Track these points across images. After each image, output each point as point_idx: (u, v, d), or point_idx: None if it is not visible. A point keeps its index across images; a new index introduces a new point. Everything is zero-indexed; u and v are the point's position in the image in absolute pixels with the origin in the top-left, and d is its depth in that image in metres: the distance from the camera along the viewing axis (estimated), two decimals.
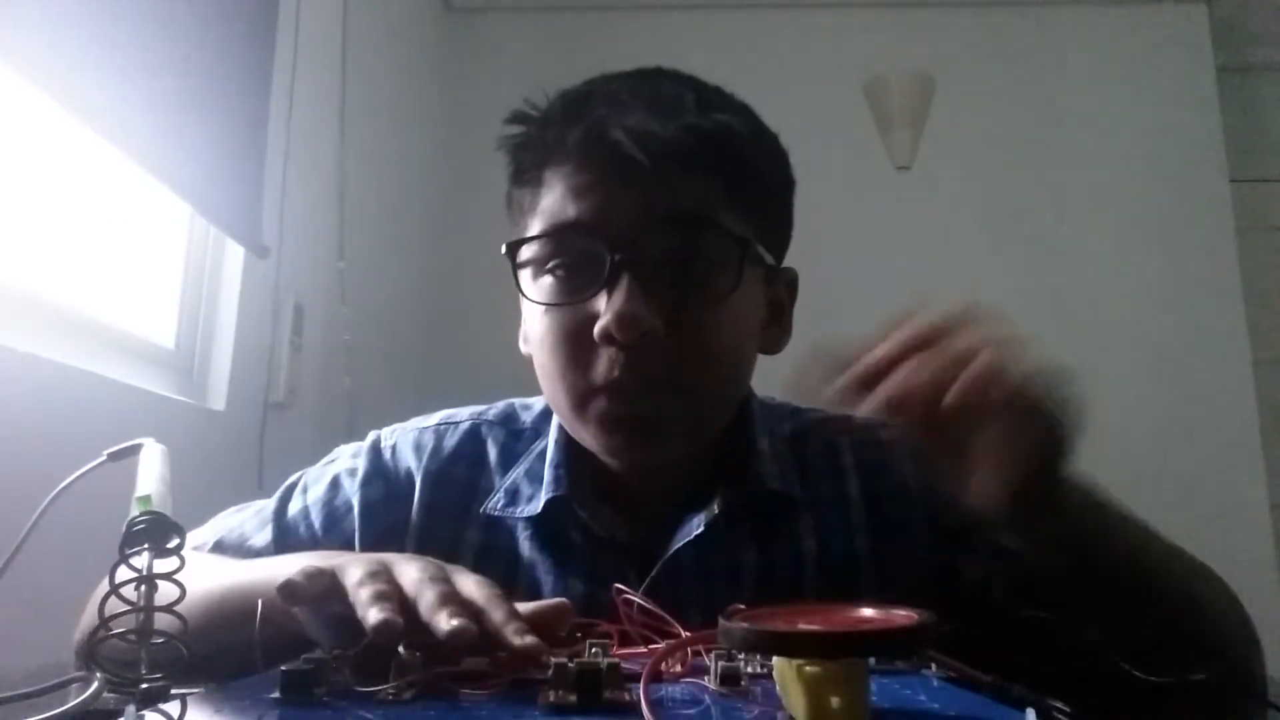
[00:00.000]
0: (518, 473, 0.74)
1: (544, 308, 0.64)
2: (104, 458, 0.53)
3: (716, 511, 0.67)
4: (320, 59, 1.82)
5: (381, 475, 0.75)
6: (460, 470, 0.75)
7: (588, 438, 0.66)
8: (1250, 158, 2.59)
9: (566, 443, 0.72)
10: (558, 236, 0.63)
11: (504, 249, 0.66)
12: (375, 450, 0.77)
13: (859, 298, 2.41)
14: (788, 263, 0.73)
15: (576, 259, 0.63)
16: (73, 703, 0.37)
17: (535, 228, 0.65)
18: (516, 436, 0.77)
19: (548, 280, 0.64)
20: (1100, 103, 2.57)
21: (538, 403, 0.79)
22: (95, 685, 0.38)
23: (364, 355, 2.01)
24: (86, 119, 1.13)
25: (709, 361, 0.63)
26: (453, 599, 0.45)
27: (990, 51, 2.64)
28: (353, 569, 0.48)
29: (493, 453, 0.76)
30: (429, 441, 0.77)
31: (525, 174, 0.67)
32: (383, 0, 2.18)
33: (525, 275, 0.66)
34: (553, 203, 0.63)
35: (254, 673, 0.45)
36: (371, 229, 2.10)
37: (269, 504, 0.78)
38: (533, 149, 0.66)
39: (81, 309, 1.23)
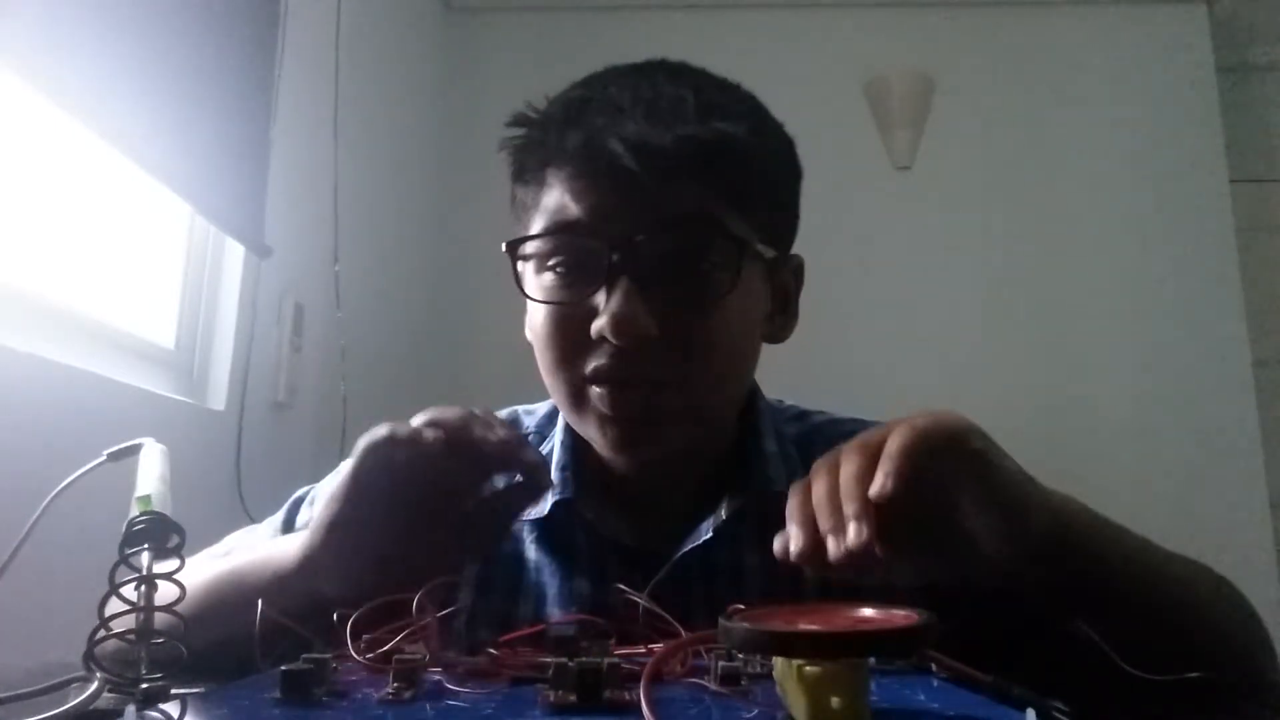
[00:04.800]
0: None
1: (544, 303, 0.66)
2: (104, 458, 0.53)
3: (725, 518, 0.67)
4: (319, 58, 1.82)
5: None
6: None
7: (589, 431, 0.67)
8: (1250, 158, 2.59)
9: (573, 445, 0.72)
10: (558, 235, 0.64)
11: (504, 246, 0.67)
12: None
13: (859, 298, 2.42)
14: None
15: (576, 258, 0.64)
16: (73, 703, 0.37)
17: (537, 225, 0.66)
18: None
19: (548, 277, 0.66)
20: (1100, 103, 2.57)
21: (541, 408, 0.80)
22: (95, 685, 0.38)
23: (362, 358, 2.01)
24: (86, 120, 1.13)
25: (705, 359, 0.64)
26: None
27: (990, 51, 2.63)
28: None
29: None
30: None
31: (527, 174, 0.68)
32: (382, 0, 2.18)
33: (527, 270, 0.67)
34: (553, 202, 0.64)
35: (254, 671, 0.45)
36: (370, 230, 2.10)
37: (277, 517, 0.78)
38: (534, 151, 0.67)
39: (81, 309, 1.23)
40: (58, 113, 1.10)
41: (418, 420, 0.54)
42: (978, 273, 2.51)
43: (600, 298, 0.62)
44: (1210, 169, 2.52)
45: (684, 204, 0.62)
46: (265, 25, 1.58)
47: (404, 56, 2.40)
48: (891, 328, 2.47)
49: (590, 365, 0.63)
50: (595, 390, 0.64)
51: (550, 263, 0.65)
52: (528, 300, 0.68)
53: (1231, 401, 2.39)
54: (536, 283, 0.66)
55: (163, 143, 1.28)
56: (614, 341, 0.60)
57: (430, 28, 2.62)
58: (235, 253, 1.56)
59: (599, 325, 0.61)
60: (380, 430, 0.54)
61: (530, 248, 0.66)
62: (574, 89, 0.68)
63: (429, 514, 0.55)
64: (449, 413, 0.55)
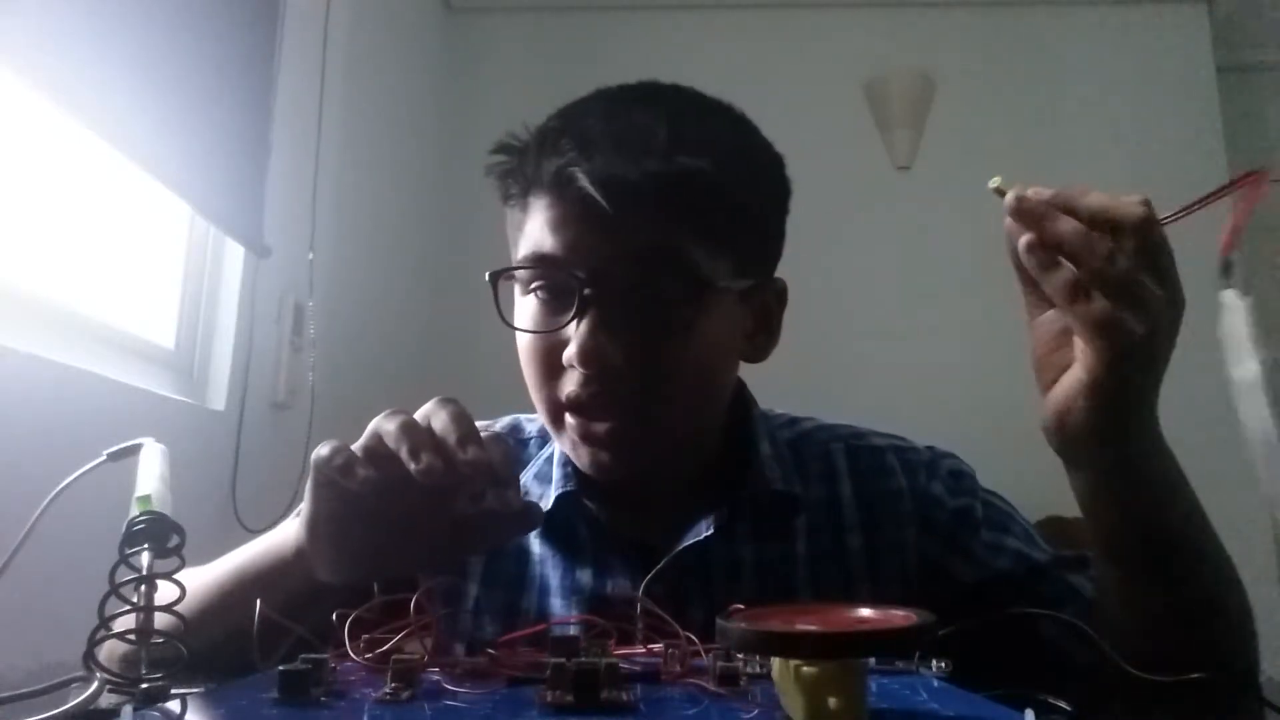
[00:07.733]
0: (527, 476, 0.76)
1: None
2: (104, 458, 0.53)
3: (726, 513, 0.69)
4: (319, 59, 1.82)
5: None
6: None
7: (566, 449, 0.70)
8: (1250, 158, 2.59)
9: None
10: (535, 266, 0.67)
11: (488, 275, 0.69)
12: None
13: (859, 297, 2.42)
14: (786, 263, 0.74)
15: (553, 287, 0.67)
16: (73, 703, 0.37)
17: (522, 250, 0.69)
18: (522, 445, 0.80)
19: (531, 301, 0.68)
20: (1100, 103, 2.57)
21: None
22: (95, 685, 0.38)
23: (362, 358, 2.01)
24: (86, 121, 1.13)
25: (669, 386, 0.66)
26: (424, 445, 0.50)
27: (990, 51, 2.63)
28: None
29: None
30: None
31: (511, 199, 0.71)
32: (382, 0, 2.18)
33: (513, 291, 0.70)
34: (533, 231, 0.67)
35: (254, 671, 0.45)
36: (370, 230, 2.10)
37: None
38: (515, 179, 0.69)
39: (81, 309, 1.23)
40: (58, 113, 1.10)
41: (363, 443, 0.52)
42: (978, 272, 2.51)
43: (572, 327, 0.64)
44: (1210, 169, 2.51)
45: (647, 237, 0.64)
46: (265, 25, 1.58)
47: (404, 56, 2.40)
48: (891, 327, 2.47)
49: (564, 390, 0.65)
50: (568, 414, 0.66)
51: (531, 288, 0.68)
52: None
53: (1232, 401, 2.39)
54: (520, 305, 0.69)
55: (162, 143, 1.28)
56: (581, 370, 0.63)
57: (430, 28, 2.62)
58: (235, 253, 1.56)
59: (568, 354, 0.63)
60: (322, 452, 0.52)
61: (514, 273, 0.69)
62: (552, 119, 0.70)
63: (409, 511, 0.53)
64: (394, 436, 0.51)
